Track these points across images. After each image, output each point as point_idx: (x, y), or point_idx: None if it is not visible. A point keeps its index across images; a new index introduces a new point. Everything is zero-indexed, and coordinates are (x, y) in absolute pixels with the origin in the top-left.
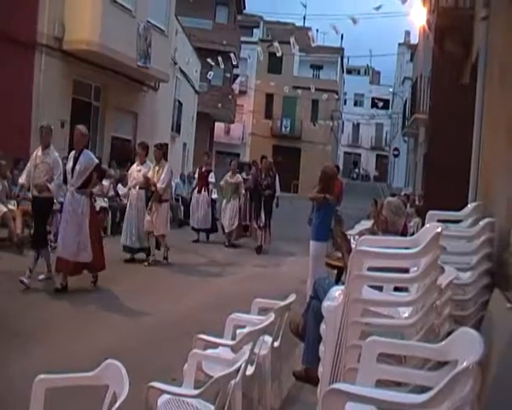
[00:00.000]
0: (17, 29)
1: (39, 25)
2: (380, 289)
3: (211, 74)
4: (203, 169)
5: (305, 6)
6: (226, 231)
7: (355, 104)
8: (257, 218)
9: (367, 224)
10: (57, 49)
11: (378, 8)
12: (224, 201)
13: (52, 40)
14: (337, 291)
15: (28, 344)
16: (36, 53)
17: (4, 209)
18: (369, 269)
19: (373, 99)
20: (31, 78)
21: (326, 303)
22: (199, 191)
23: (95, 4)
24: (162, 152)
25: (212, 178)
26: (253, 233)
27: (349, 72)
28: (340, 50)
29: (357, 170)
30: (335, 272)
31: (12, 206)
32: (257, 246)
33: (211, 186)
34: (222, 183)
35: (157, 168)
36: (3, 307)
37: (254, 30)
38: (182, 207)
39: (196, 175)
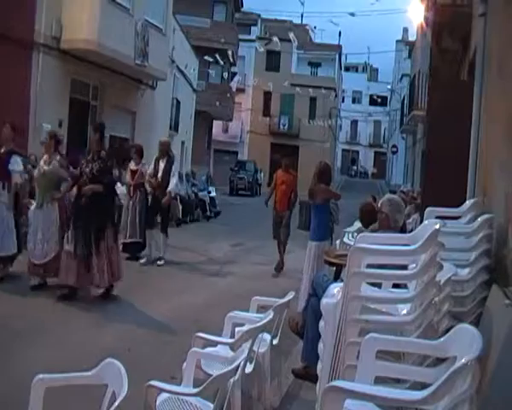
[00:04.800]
0: (15, 28)
1: (37, 24)
2: (379, 286)
3: (212, 73)
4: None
5: (302, 3)
6: None
7: (353, 101)
8: None
9: None
10: (55, 48)
11: (374, 3)
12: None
13: (50, 39)
14: (336, 288)
15: (27, 344)
16: (33, 52)
17: None
18: (368, 266)
19: (371, 96)
20: (28, 77)
21: (324, 301)
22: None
23: (92, 3)
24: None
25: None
26: None
27: (347, 69)
28: (337, 48)
29: (355, 167)
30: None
31: None
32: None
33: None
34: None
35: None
36: (3, 307)
37: (252, 28)
38: (180, 206)
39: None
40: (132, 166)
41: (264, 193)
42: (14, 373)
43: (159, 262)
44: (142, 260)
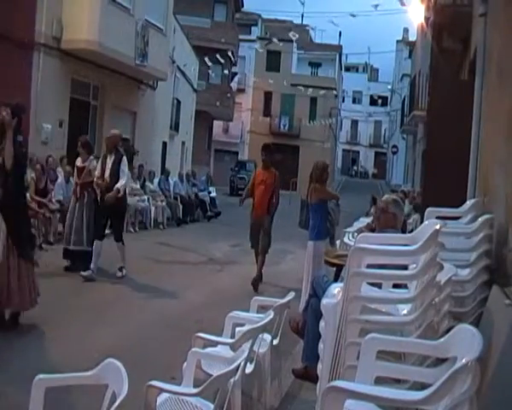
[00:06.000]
0: (15, 28)
1: (37, 24)
2: (379, 286)
3: (213, 73)
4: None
5: (302, 3)
6: None
7: (353, 101)
8: None
9: (366, 221)
10: (55, 48)
11: (376, 5)
12: None
13: (50, 39)
14: (336, 288)
15: (28, 343)
16: (34, 52)
17: None
18: (368, 266)
19: (371, 96)
20: (29, 77)
21: (325, 301)
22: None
23: (93, 3)
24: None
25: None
26: None
27: (347, 69)
28: (338, 48)
29: (355, 167)
30: (334, 269)
31: None
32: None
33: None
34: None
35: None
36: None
37: (252, 28)
38: (180, 206)
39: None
40: (79, 162)
41: None
42: (14, 372)
43: (118, 273)
44: (84, 273)
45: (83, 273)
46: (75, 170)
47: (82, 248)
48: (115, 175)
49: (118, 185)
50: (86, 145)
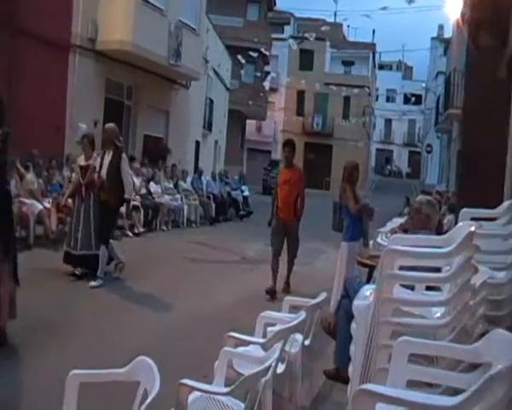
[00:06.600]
0: (52, 31)
1: (73, 26)
2: (411, 288)
3: (245, 72)
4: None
5: (335, 1)
6: None
7: (387, 100)
8: None
9: (399, 221)
10: (90, 49)
11: (410, 1)
12: None
13: (85, 41)
14: (368, 290)
15: (62, 339)
16: (70, 54)
17: (40, 207)
18: (401, 268)
19: (405, 95)
20: (65, 78)
21: (356, 302)
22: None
23: (127, 5)
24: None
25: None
26: None
27: (381, 67)
28: (371, 46)
29: (389, 167)
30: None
31: (47, 204)
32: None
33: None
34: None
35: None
36: (40, 303)
37: (285, 27)
38: (213, 205)
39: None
40: (81, 161)
41: None
42: (49, 367)
43: (91, 283)
44: (93, 283)
45: (92, 284)
46: (77, 169)
47: (91, 252)
48: (112, 173)
49: (126, 195)
50: (91, 142)
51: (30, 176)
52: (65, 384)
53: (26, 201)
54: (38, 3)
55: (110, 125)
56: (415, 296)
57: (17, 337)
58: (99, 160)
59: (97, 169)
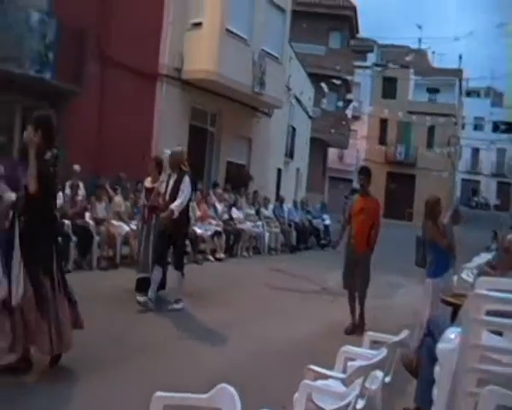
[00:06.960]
0: (141, 61)
1: (161, 57)
2: (499, 333)
3: (328, 100)
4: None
5: (420, 27)
6: None
7: (474, 128)
8: None
9: (486, 257)
10: (177, 78)
11: (500, 25)
12: None
13: (172, 70)
14: (453, 333)
15: (143, 360)
16: (157, 83)
17: (127, 229)
18: (488, 312)
19: (494, 123)
20: (152, 106)
21: (441, 345)
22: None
23: (212, 36)
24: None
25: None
26: None
27: (468, 94)
28: (458, 72)
29: (476, 198)
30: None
31: (133, 226)
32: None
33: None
34: None
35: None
36: (122, 323)
37: (368, 54)
38: (294, 233)
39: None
40: (148, 183)
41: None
42: (130, 388)
43: (175, 305)
44: (140, 298)
45: (139, 298)
46: (143, 191)
47: (147, 275)
48: (174, 196)
49: (172, 206)
50: (158, 165)
51: (118, 198)
52: (149, 406)
53: (114, 222)
54: (129, 36)
55: (177, 148)
56: (504, 344)
57: (99, 353)
58: (164, 183)
59: (162, 191)
